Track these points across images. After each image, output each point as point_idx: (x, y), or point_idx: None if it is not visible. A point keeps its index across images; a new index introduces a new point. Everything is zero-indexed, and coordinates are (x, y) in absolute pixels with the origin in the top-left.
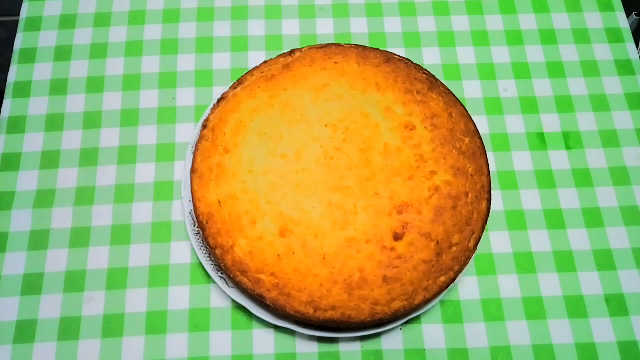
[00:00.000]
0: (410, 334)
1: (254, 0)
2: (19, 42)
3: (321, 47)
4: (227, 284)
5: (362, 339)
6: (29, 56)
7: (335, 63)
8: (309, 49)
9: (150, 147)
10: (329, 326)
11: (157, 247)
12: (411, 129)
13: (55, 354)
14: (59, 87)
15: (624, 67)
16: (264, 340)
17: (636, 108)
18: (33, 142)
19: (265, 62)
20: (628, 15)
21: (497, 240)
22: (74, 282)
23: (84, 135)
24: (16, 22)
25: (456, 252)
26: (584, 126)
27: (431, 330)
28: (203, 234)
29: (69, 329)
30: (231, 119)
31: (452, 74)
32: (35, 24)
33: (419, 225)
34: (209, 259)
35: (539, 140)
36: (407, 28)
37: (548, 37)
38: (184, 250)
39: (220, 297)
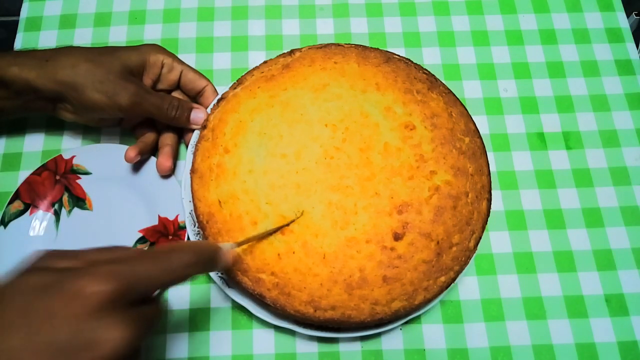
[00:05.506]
0: (410, 334)
1: (254, 0)
2: (19, 42)
3: (321, 47)
4: (227, 284)
5: (362, 339)
6: None
7: (335, 63)
8: (309, 49)
9: None
10: (329, 326)
11: None
12: (411, 129)
13: None
14: None
15: (624, 67)
16: (264, 340)
17: (636, 108)
18: (34, 142)
19: (265, 62)
20: (628, 15)
21: (497, 240)
22: None
23: (84, 135)
24: (16, 22)
25: (456, 252)
26: (584, 126)
27: (431, 330)
28: (203, 233)
29: None
30: (231, 119)
31: (452, 74)
32: (35, 24)
33: (419, 225)
34: None
35: (539, 140)
36: (407, 28)
37: (548, 37)
38: None
39: (220, 297)
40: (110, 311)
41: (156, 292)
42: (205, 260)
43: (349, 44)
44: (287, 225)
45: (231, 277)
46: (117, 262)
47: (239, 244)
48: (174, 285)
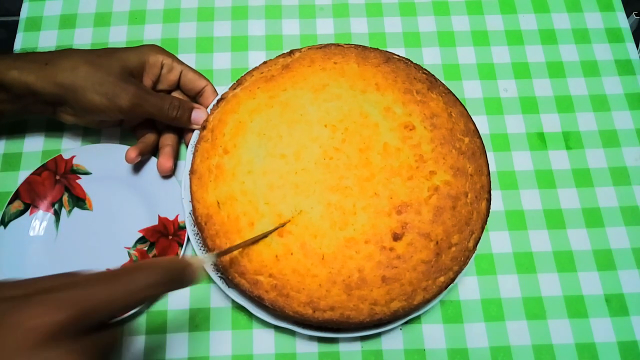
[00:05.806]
0: (410, 334)
1: (254, 0)
2: (19, 42)
3: (320, 47)
4: (227, 284)
5: (362, 339)
6: None
7: (335, 63)
8: (309, 49)
9: None
10: (328, 326)
11: None
12: (411, 129)
13: None
14: None
15: (624, 67)
16: (264, 340)
17: (636, 108)
18: (34, 142)
19: (265, 62)
20: (628, 15)
21: (497, 240)
22: None
23: (84, 136)
24: (16, 22)
25: (455, 252)
26: (584, 126)
27: (431, 330)
28: (201, 235)
29: None
30: (230, 119)
31: (452, 74)
32: (35, 24)
33: (418, 226)
34: None
35: (539, 140)
36: (407, 28)
37: (548, 37)
38: (184, 250)
39: (220, 297)
40: (59, 342)
41: (120, 317)
42: (173, 279)
43: (348, 44)
44: (283, 226)
45: (229, 279)
46: (71, 287)
47: (219, 255)
48: (138, 307)
